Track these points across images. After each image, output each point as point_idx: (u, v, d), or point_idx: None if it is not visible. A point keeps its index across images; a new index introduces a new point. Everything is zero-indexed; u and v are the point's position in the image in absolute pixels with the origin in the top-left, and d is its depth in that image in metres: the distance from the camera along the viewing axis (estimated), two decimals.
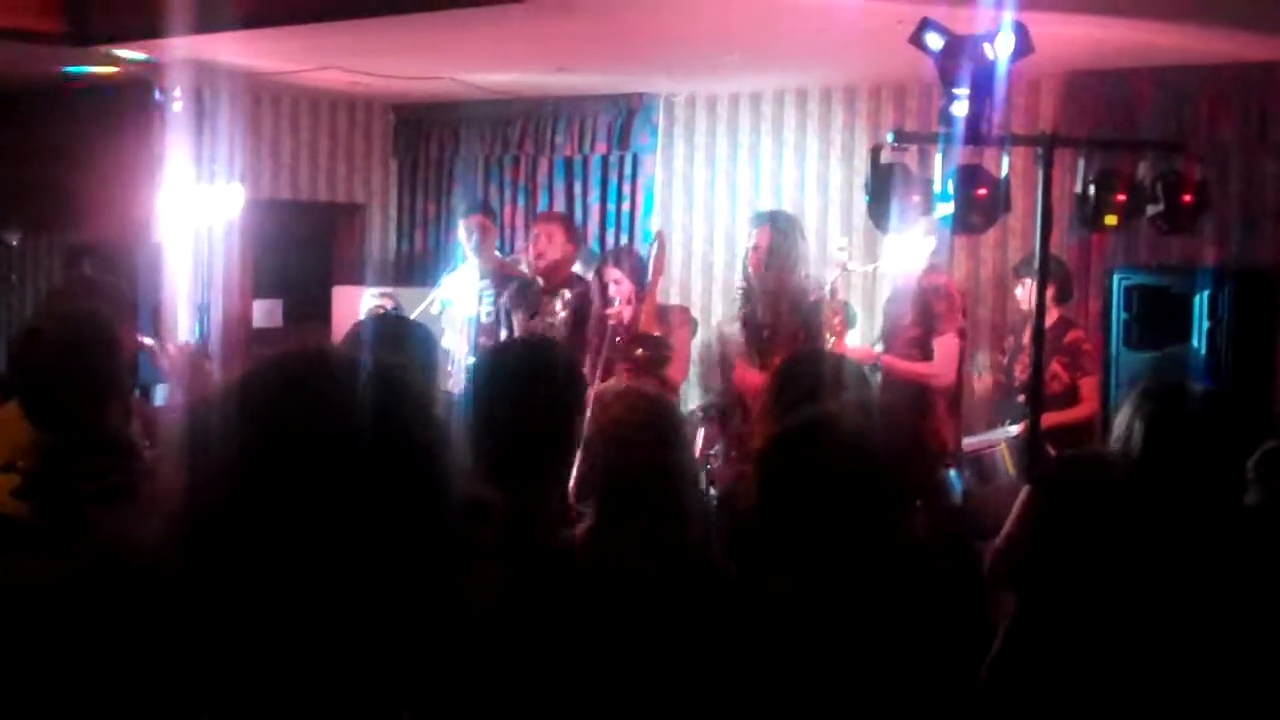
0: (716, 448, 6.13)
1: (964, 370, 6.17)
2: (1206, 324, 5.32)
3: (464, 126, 9.63)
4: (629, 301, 6.13)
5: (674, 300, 7.93)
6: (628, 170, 8.96)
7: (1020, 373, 6.36)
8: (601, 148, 9.04)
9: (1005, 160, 5.06)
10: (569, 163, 9.24)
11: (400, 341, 3.35)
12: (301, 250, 9.91)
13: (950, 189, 4.95)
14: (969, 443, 6.18)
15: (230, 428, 1.10)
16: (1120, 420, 3.46)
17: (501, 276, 7.11)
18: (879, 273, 6.95)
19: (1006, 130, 5.07)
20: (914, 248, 5.97)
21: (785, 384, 4.12)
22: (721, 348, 6.29)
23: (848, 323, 6.34)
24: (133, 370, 4.78)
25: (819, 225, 8.15)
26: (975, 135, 4.85)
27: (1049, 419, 5.69)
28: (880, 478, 2.63)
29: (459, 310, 7.19)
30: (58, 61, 7.71)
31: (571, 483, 2.82)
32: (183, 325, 8.51)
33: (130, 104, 8.66)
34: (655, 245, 6.34)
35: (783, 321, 5.88)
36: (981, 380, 6.78)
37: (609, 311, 6.13)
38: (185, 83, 8.25)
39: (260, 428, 1.09)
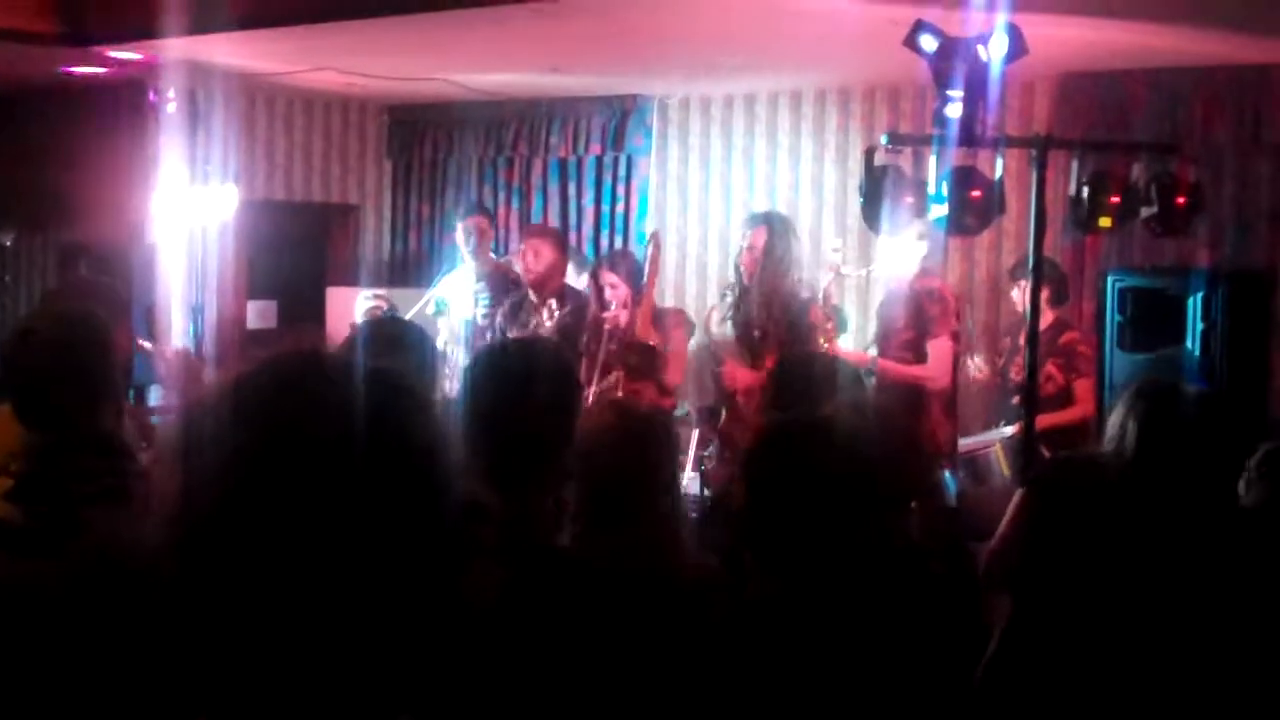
0: (710, 448, 6.14)
1: (958, 372, 6.17)
2: (1200, 326, 5.31)
3: (458, 128, 9.63)
4: (625, 305, 6.13)
5: (668, 302, 7.93)
6: (622, 172, 8.96)
7: (1016, 374, 6.36)
8: (596, 149, 9.04)
9: (999, 162, 5.07)
10: (563, 164, 9.24)
11: (397, 343, 3.35)
12: (296, 251, 9.90)
13: (944, 191, 4.96)
14: (964, 444, 6.18)
15: (225, 429, 1.09)
16: (1114, 421, 3.46)
17: (498, 279, 7.11)
18: (872, 276, 6.95)
19: (1000, 132, 5.07)
20: (907, 251, 5.98)
21: (781, 385, 4.13)
22: (712, 347, 6.30)
23: (839, 327, 6.35)
24: (127, 372, 4.77)
25: (813, 227, 8.16)
26: (969, 137, 4.86)
27: (1044, 420, 5.70)
28: (872, 479, 2.63)
29: (455, 312, 7.19)
30: (53, 62, 7.70)
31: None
32: (177, 326, 8.51)
33: (125, 105, 8.66)
34: (651, 247, 6.34)
35: (775, 322, 5.89)
36: (979, 371, 6.78)
37: (605, 315, 6.13)
38: (180, 84, 8.24)
39: (255, 429, 1.09)
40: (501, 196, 9.43)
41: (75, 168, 8.76)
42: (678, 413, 6.37)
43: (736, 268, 6.11)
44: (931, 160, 5.00)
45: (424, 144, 9.89)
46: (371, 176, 10.10)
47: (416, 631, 1.10)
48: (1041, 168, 5.03)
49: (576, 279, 7.19)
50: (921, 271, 6.06)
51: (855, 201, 6.08)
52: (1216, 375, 5.28)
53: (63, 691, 2.19)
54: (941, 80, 4.84)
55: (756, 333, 5.93)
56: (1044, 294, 5.94)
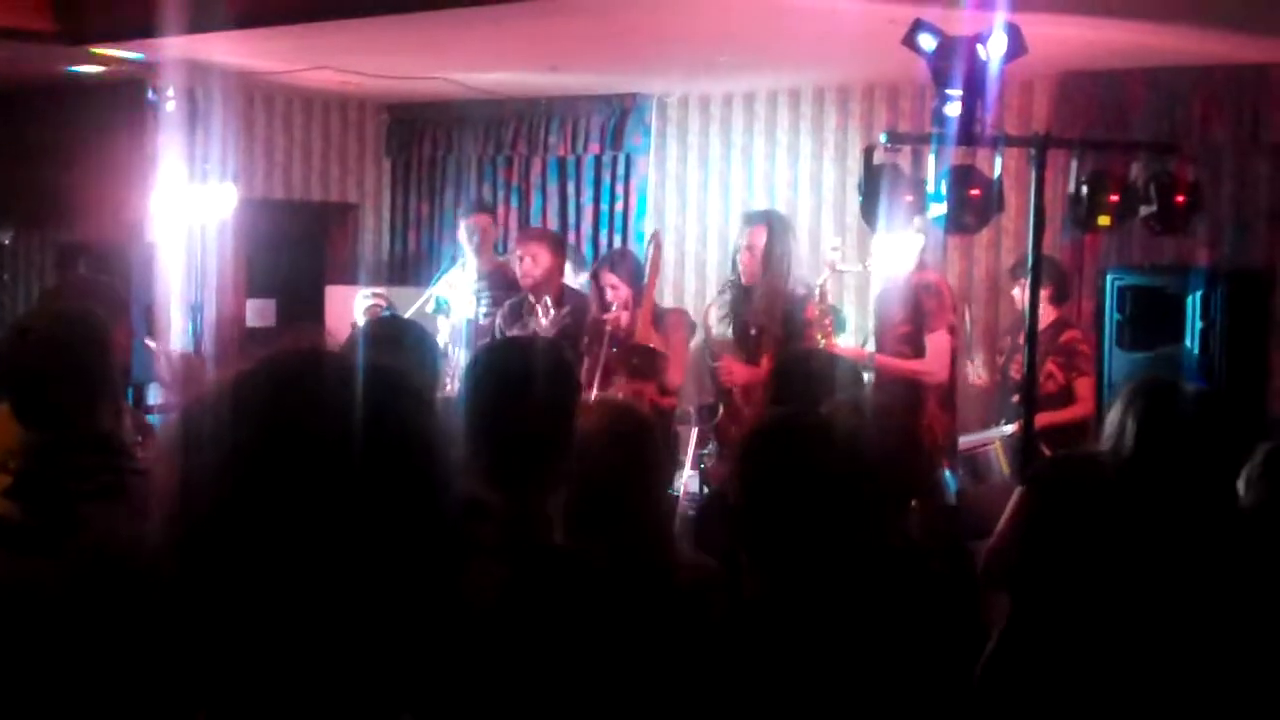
0: (710, 446, 6.14)
1: (956, 366, 6.18)
2: (1199, 325, 5.31)
3: (457, 126, 9.63)
4: (626, 306, 6.14)
5: (667, 300, 7.93)
6: (621, 171, 8.96)
7: (1016, 372, 6.36)
8: (595, 148, 9.04)
9: (998, 161, 5.07)
10: (562, 163, 9.24)
11: (397, 342, 3.35)
12: (295, 250, 9.90)
13: (943, 189, 4.96)
14: (964, 442, 6.19)
15: (224, 427, 1.09)
16: (1112, 419, 3.46)
17: (499, 278, 7.10)
18: (869, 271, 6.95)
19: (999, 131, 5.07)
20: (904, 245, 5.99)
21: (781, 382, 4.13)
22: (710, 344, 6.30)
23: (838, 326, 6.35)
24: (126, 371, 4.77)
25: (812, 226, 8.16)
26: (968, 136, 4.86)
27: (1044, 419, 5.70)
28: (868, 476, 2.63)
29: (456, 310, 7.19)
30: (51, 61, 7.69)
31: None
32: (176, 325, 8.51)
33: (123, 103, 8.65)
34: (652, 246, 6.34)
35: (773, 321, 5.89)
36: (978, 376, 6.78)
37: (606, 316, 6.13)
38: (178, 82, 8.24)
39: (255, 427, 1.09)
40: (500, 195, 9.42)
41: (74, 166, 8.76)
42: (678, 412, 6.37)
43: (734, 266, 6.11)
44: (930, 159, 5.00)
45: (423, 143, 9.88)
46: (370, 175, 10.10)
47: (417, 630, 1.10)
48: (1040, 166, 5.03)
49: (574, 278, 7.18)
50: (919, 265, 6.06)
51: (854, 200, 6.08)
52: (1215, 374, 5.28)
53: (62, 689, 2.18)
54: (940, 79, 4.84)
55: (753, 330, 5.94)
56: (1045, 292, 5.95)
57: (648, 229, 8.53)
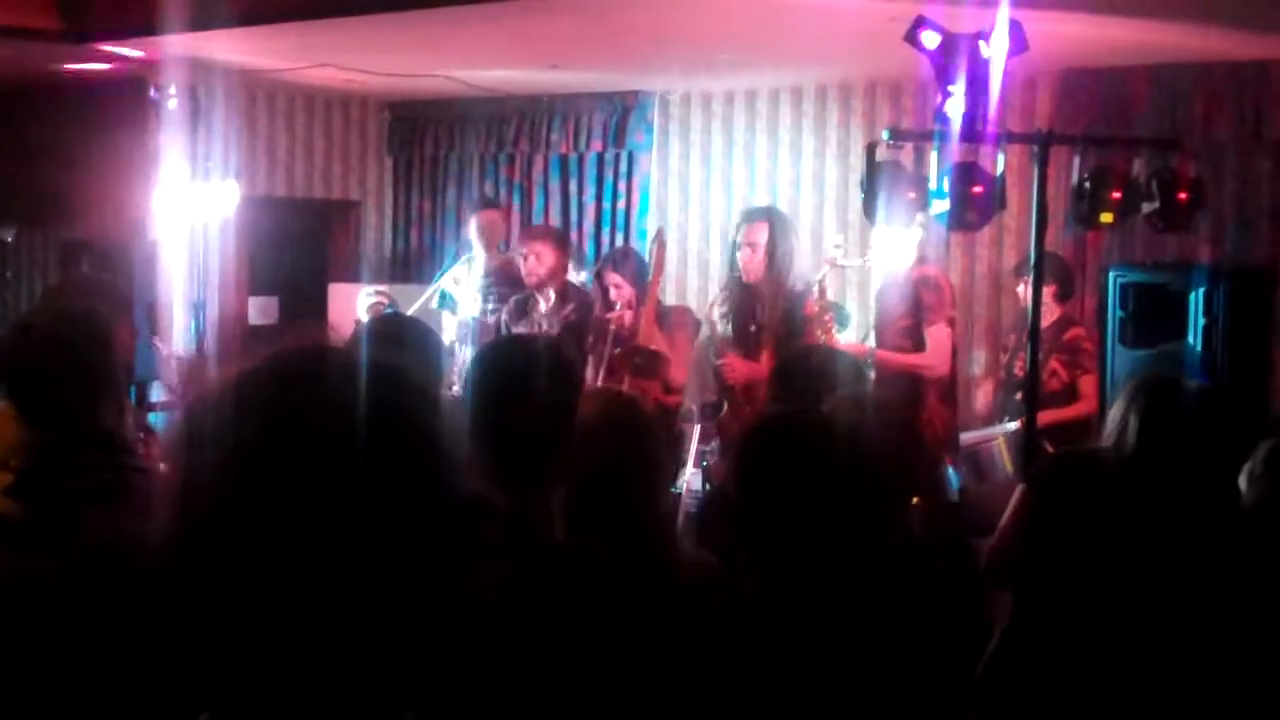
0: (713, 444, 6.14)
1: (957, 359, 6.18)
2: (1202, 321, 5.32)
3: (459, 124, 9.63)
4: (630, 305, 6.14)
5: (670, 298, 7.93)
6: (623, 168, 8.96)
7: (1020, 370, 6.36)
8: (597, 145, 9.03)
9: (1001, 158, 5.07)
10: (564, 160, 9.24)
11: (401, 340, 3.35)
12: (297, 247, 9.90)
13: (946, 186, 4.96)
14: (967, 438, 6.19)
15: (228, 425, 1.09)
16: (1114, 415, 3.46)
17: (505, 275, 7.10)
18: (869, 267, 6.95)
19: (1002, 128, 5.06)
20: (904, 239, 5.99)
21: (783, 380, 4.13)
22: (713, 340, 6.30)
23: (839, 323, 6.35)
24: (129, 369, 4.77)
25: (814, 223, 8.16)
26: (971, 133, 4.85)
27: (1047, 416, 5.70)
28: (867, 473, 2.63)
29: (463, 306, 7.20)
30: (54, 59, 7.69)
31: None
32: (178, 323, 8.51)
33: (125, 101, 8.65)
34: (656, 244, 6.34)
35: (775, 318, 5.89)
36: (979, 377, 6.79)
37: (610, 316, 6.13)
38: (180, 80, 8.24)
39: (258, 425, 1.09)
40: (502, 193, 9.42)
41: (76, 164, 8.75)
42: (682, 410, 6.38)
43: (734, 263, 6.10)
44: (933, 156, 5.00)
45: (425, 140, 9.88)
46: (373, 173, 10.10)
47: (419, 628, 1.10)
48: (1043, 163, 5.03)
49: (575, 278, 7.19)
50: (918, 260, 6.06)
51: (856, 197, 6.08)
52: (1218, 370, 5.28)
53: (64, 689, 2.19)
54: (943, 76, 4.83)
55: (754, 328, 5.94)
56: (1049, 290, 5.95)
57: (650, 227, 8.53)
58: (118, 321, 4.04)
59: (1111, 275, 5.78)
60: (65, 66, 8.02)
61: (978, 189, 4.96)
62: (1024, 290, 6.52)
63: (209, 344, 8.61)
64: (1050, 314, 6.13)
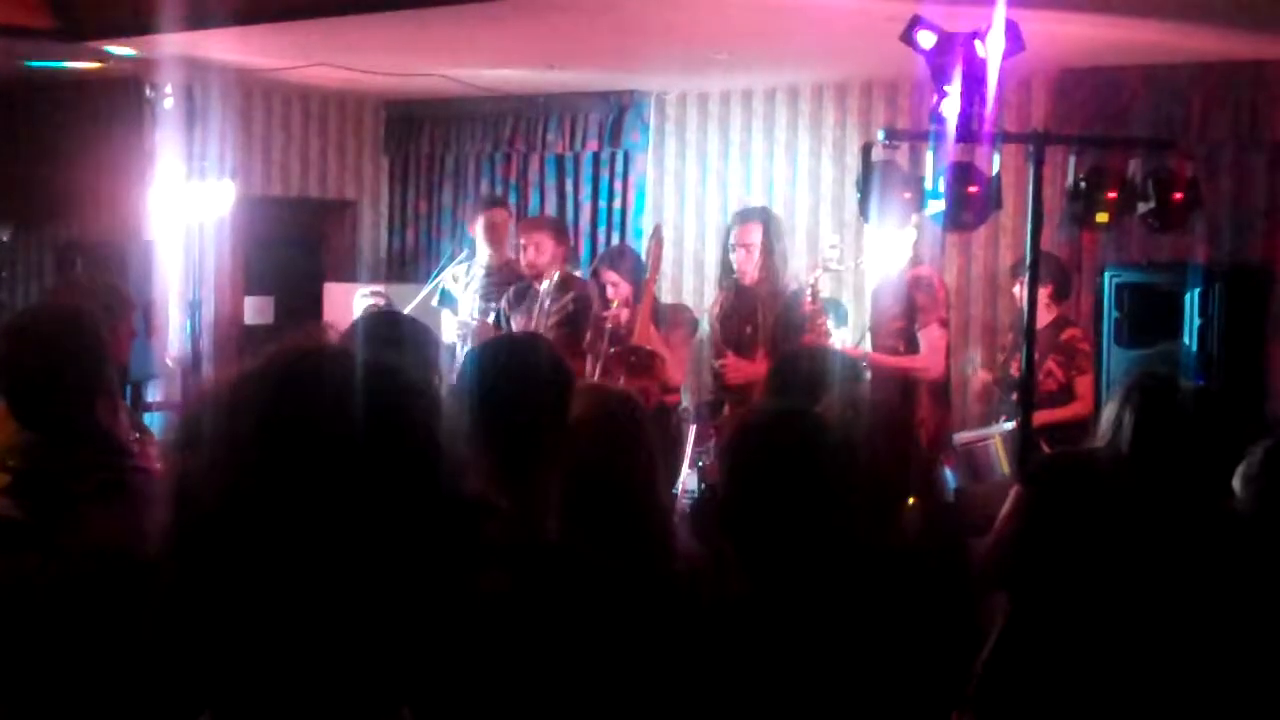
0: (709, 445, 6.14)
1: (950, 359, 6.19)
2: (1198, 321, 5.31)
3: (455, 123, 9.63)
4: (626, 303, 6.14)
5: (665, 296, 7.93)
6: (619, 168, 8.96)
7: (1016, 370, 6.36)
8: (593, 145, 9.04)
9: (996, 158, 5.07)
10: (560, 160, 9.24)
11: (398, 338, 3.35)
12: (293, 247, 9.89)
13: (941, 186, 4.96)
14: (964, 437, 6.19)
15: (226, 425, 1.09)
16: (1108, 414, 3.46)
17: (507, 275, 7.11)
18: (863, 268, 6.95)
19: (998, 128, 5.07)
20: (898, 240, 5.99)
21: (779, 380, 4.12)
22: (713, 340, 6.30)
23: (838, 320, 6.35)
24: (124, 368, 4.77)
25: (810, 223, 8.16)
26: (966, 133, 4.86)
27: (1043, 416, 5.70)
28: (857, 473, 2.63)
29: (462, 306, 7.20)
30: (49, 57, 7.68)
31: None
32: (174, 323, 8.51)
33: (121, 101, 8.65)
34: (654, 242, 6.34)
35: (770, 319, 5.89)
36: (975, 378, 6.78)
37: (606, 314, 6.14)
38: (176, 79, 8.23)
39: (257, 425, 1.09)
40: (499, 192, 9.42)
41: (72, 164, 8.75)
42: (680, 408, 6.38)
43: (728, 265, 6.10)
44: (928, 156, 5.01)
45: (421, 140, 9.88)
46: (369, 172, 10.10)
47: (418, 626, 1.10)
48: (1039, 163, 5.03)
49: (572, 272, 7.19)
50: (912, 261, 6.07)
51: (852, 197, 6.07)
52: (1214, 371, 5.28)
53: (63, 689, 2.18)
54: (939, 76, 4.84)
55: (749, 329, 5.94)
56: (1046, 290, 5.95)
57: (646, 226, 8.53)
58: (118, 322, 4.04)
59: (1107, 275, 5.78)
60: (61, 65, 8.00)
61: (973, 189, 4.96)
62: (1020, 290, 6.52)
63: (204, 344, 8.60)
64: (1046, 314, 6.13)
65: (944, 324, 6.04)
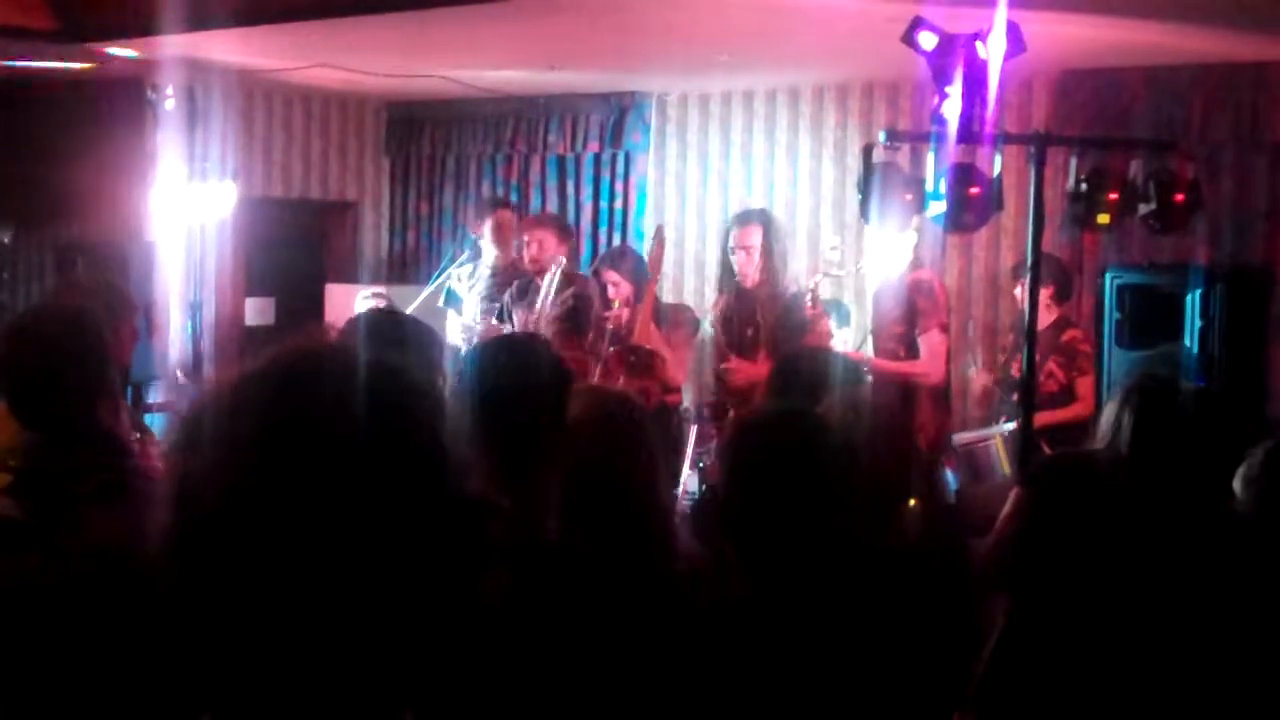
0: (710, 446, 6.14)
1: (950, 364, 6.18)
2: (1199, 323, 5.31)
3: (456, 124, 9.63)
4: (627, 303, 6.14)
5: (666, 297, 7.93)
6: (620, 169, 8.97)
7: (1017, 371, 6.36)
8: (594, 146, 9.04)
9: (998, 159, 5.07)
10: (561, 161, 9.25)
11: (401, 338, 3.35)
12: (294, 248, 9.90)
13: (942, 188, 4.96)
14: (964, 438, 6.19)
15: (228, 426, 1.09)
16: (1108, 416, 3.46)
17: (511, 275, 7.12)
18: (863, 271, 6.95)
19: (999, 129, 5.07)
20: (899, 243, 5.99)
21: (781, 382, 4.13)
22: (716, 341, 6.31)
23: (840, 320, 6.35)
24: (125, 369, 4.77)
25: (811, 224, 8.16)
26: (967, 134, 4.85)
27: (1044, 418, 5.71)
28: (856, 474, 2.63)
29: (466, 307, 7.21)
30: (50, 58, 7.68)
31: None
32: (175, 324, 8.50)
33: (122, 102, 8.64)
34: (656, 242, 6.34)
35: (770, 322, 5.89)
36: (976, 378, 6.78)
37: (607, 314, 6.14)
38: (177, 80, 8.23)
39: (259, 425, 1.09)
40: (500, 193, 9.43)
41: (73, 165, 8.74)
42: (682, 409, 6.38)
43: (729, 267, 6.10)
44: (930, 157, 5.00)
45: (422, 141, 9.89)
46: (370, 173, 10.10)
47: (420, 627, 1.10)
48: (1040, 165, 5.03)
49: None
50: (913, 264, 6.06)
51: (853, 199, 6.08)
52: (1214, 372, 5.28)
53: (64, 689, 2.18)
54: (940, 77, 4.84)
55: (750, 331, 5.94)
56: (1047, 292, 5.95)
57: (647, 227, 8.54)
58: (119, 323, 4.04)
59: (1108, 277, 5.78)
60: (62, 66, 8.00)
61: (974, 190, 4.96)
62: (1021, 292, 6.52)
63: (205, 345, 8.60)
64: (1047, 315, 6.13)
65: (944, 329, 6.03)
